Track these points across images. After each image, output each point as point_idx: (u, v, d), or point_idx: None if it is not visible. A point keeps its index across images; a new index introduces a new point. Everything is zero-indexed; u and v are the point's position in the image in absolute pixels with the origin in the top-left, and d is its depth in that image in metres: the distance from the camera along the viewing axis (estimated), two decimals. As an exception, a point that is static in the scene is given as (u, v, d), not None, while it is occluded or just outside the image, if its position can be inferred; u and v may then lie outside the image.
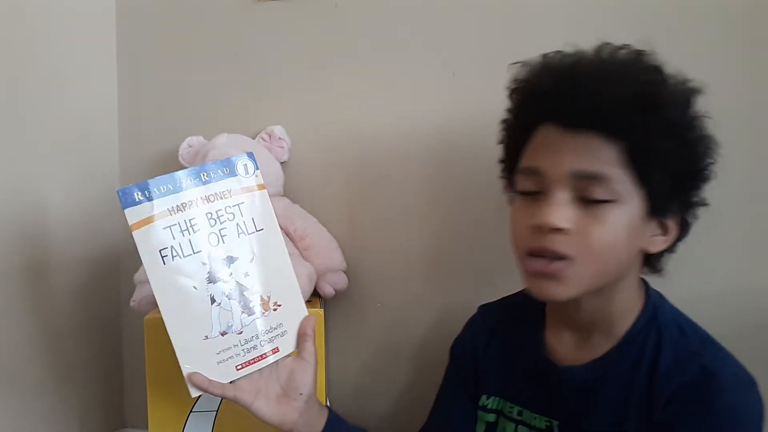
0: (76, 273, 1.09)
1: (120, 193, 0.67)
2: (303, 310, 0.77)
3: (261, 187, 0.76)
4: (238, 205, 0.74)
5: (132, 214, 0.68)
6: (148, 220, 0.68)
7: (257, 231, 0.74)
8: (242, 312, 0.72)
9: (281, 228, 0.81)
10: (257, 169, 0.76)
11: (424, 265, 1.03)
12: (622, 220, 0.65)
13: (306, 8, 1.07)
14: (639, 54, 0.70)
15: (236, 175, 0.74)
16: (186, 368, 0.69)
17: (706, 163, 0.70)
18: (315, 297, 1.00)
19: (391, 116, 1.02)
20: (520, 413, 0.76)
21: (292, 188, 1.07)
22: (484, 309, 0.88)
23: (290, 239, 1.00)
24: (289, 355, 0.75)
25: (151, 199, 0.68)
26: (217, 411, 0.91)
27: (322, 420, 0.76)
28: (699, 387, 0.65)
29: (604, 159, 0.65)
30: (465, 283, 1.00)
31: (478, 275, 0.99)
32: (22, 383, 0.99)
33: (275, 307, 0.74)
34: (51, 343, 1.04)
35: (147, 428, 0.94)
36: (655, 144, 0.65)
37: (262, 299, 0.74)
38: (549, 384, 0.74)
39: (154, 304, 0.98)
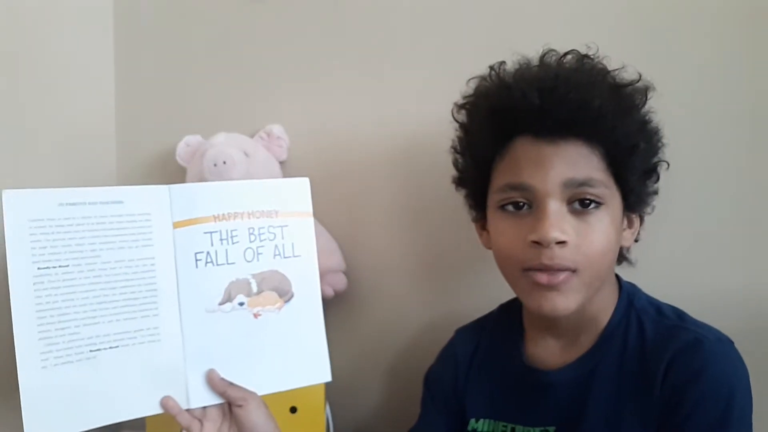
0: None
1: None
2: None
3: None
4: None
5: None
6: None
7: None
8: None
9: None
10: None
11: (425, 266, 1.03)
12: (609, 222, 0.68)
13: (306, 8, 1.06)
14: (584, 58, 0.73)
15: None
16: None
17: (660, 155, 0.75)
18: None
19: (391, 116, 1.02)
20: (513, 430, 0.76)
21: (291, 188, 1.06)
22: (461, 333, 0.88)
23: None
24: None
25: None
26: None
27: None
28: (689, 357, 0.66)
29: (591, 165, 0.67)
30: (467, 284, 1.00)
31: (481, 276, 0.99)
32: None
33: None
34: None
35: (145, 429, 0.93)
36: (633, 144, 0.68)
37: None
38: (538, 392, 0.74)
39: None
